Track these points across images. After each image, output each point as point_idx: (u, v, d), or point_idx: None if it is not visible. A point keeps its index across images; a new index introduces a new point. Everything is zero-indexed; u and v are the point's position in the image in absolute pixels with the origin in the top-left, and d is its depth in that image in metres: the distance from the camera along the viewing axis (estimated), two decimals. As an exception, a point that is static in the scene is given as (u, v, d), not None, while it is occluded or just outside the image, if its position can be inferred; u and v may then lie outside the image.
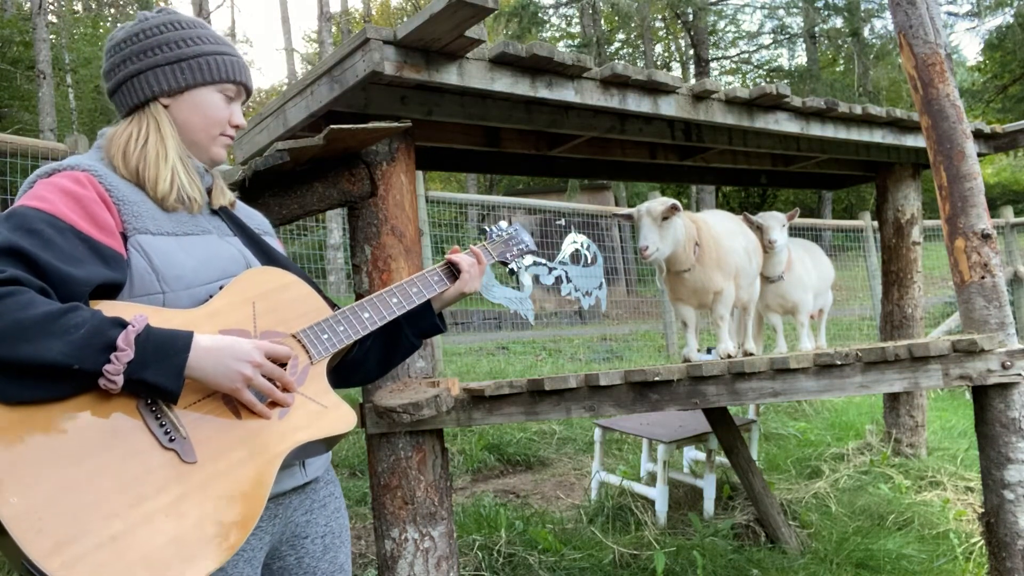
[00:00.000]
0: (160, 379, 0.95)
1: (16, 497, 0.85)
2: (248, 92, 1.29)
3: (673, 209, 2.53)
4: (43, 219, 0.99)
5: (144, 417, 0.97)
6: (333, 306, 1.30)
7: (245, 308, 1.13)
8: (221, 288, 1.13)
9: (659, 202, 2.58)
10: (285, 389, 1.09)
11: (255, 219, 1.40)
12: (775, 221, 3.11)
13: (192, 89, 1.20)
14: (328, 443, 1.18)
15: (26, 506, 0.85)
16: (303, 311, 1.20)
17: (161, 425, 0.98)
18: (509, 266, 1.62)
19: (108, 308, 1.00)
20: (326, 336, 1.19)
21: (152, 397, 0.98)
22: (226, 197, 1.30)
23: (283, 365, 1.11)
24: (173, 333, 0.99)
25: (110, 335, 0.92)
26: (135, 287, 1.07)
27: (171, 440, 0.97)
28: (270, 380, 1.07)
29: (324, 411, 1.14)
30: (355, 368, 1.40)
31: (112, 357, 0.91)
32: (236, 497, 0.99)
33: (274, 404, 1.08)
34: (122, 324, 0.94)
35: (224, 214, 1.29)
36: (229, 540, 0.96)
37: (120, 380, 0.92)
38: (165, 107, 1.20)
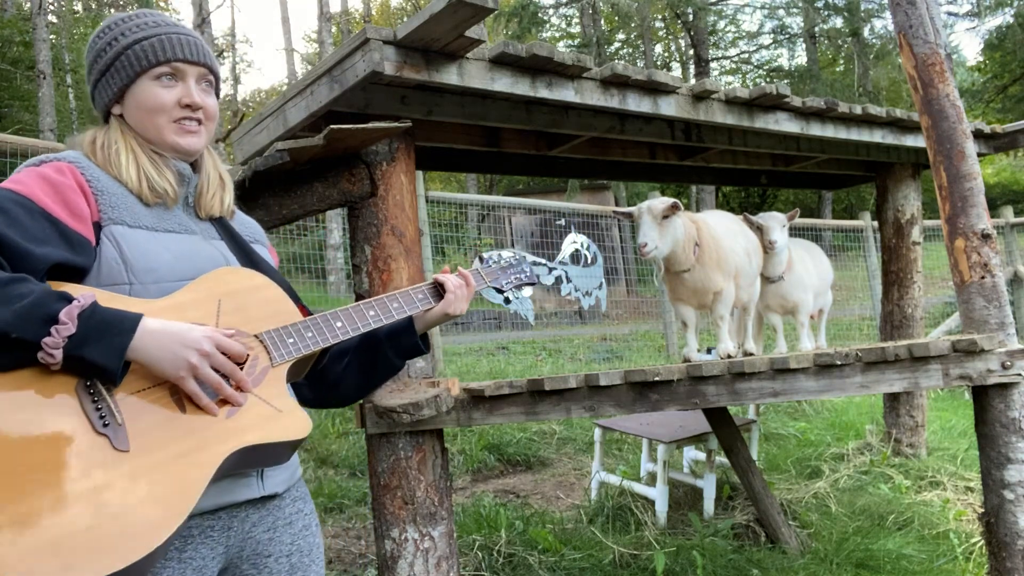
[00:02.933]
0: (99, 357, 0.93)
1: None
2: (199, 64, 1.20)
3: (674, 208, 2.54)
4: (15, 200, 1.01)
5: (81, 399, 0.94)
6: (308, 315, 1.27)
7: (209, 304, 1.10)
8: (190, 284, 1.12)
9: (659, 200, 2.58)
10: (238, 387, 1.06)
11: (249, 227, 1.38)
12: (775, 222, 3.11)
13: (128, 89, 1.18)
14: (283, 451, 1.11)
15: None
16: (270, 313, 1.17)
17: (97, 409, 0.94)
18: (504, 295, 1.59)
19: (66, 289, 0.99)
20: (291, 340, 1.16)
21: (92, 377, 0.95)
22: (222, 206, 1.27)
23: (241, 364, 1.08)
24: (121, 313, 0.97)
25: (53, 308, 0.91)
26: (102, 275, 1.06)
27: (105, 425, 0.93)
28: (221, 374, 1.04)
29: (277, 415, 1.08)
30: (334, 386, 1.37)
31: (52, 330, 0.90)
32: (164, 493, 0.93)
33: (224, 401, 1.04)
34: (68, 299, 0.93)
35: (216, 221, 1.28)
36: (147, 538, 0.90)
37: (59, 355, 0.91)
38: (120, 116, 1.20)
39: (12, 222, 0.98)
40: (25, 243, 0.97)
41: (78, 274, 1.05)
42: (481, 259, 1.60)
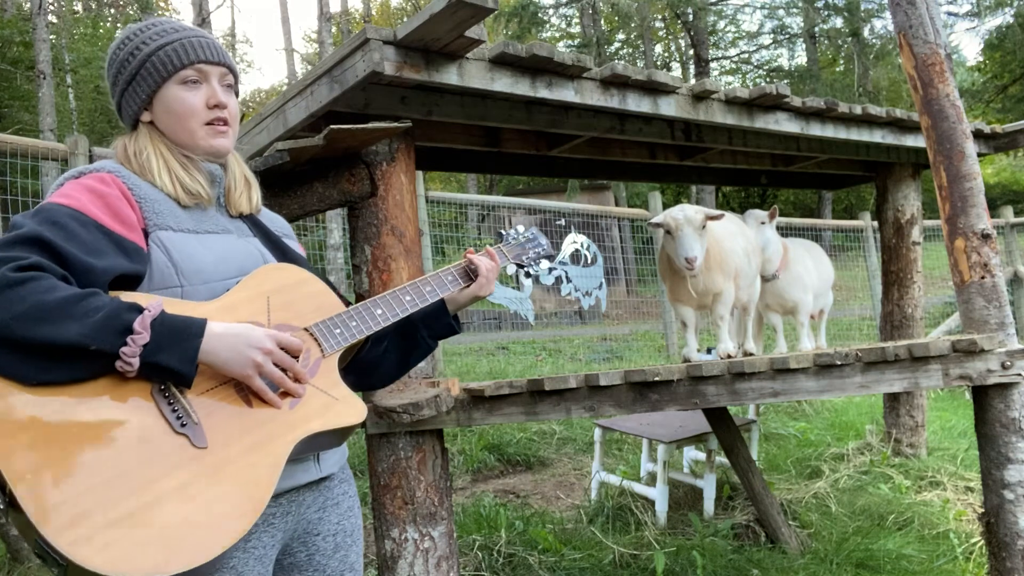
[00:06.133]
0: (174, 363, 0.98)
1: (31, 474, 0.87)
2: (221, 65, 1.24)
3: (711, 218, 2.54)
4: (68, 214, 1.04)
5: (157, 402, 1.00)
6: (347, 304, 1.32)
7: (259, 302, 1.16)
8: (238, 283, 1.16)
9: (694, 209, 2.56)
10: (297, 380, 1.11)
11: (276, 222, 1.43)
12: (752, 219, 3.14)
13: (155, 95, 1.21)
14: (340, 436, 1.19)
15: (40, 483, 0.88)
16: (316, 306, 1.23)
17: (174, 410, 1.00)
18: (526, 269, 1.62)
19: (128, 298, 1.03)
20: (339, 331, 1.22)
21: (166, 381, 1.01)
22: (250, 204, 1.32)
23: (296, 357, 1.13)
24: (188, 319, 1.02)
25: (127, 318, 0.96)
26: (155, 280, 1.11)
27: (183, 425, 0.99)
28: (282, 369, 1.09)
29: (335, 402, 1.16)
30: (373, 369, 1.42)
31: (128, 340, 0.95)
32: (244, 483, 1.00)
33: (285, 394, 1.10)
34: (139, 309, 0.98)
35: (246, 219, 1.32)
36: (235, 525, 0.97)
37: (136, 363, 0.95)
38: (149, 122, 1.23)
39: (70, 237, 1.02)
40: (87, 257, 1.01)
41: (135, 281, 1.10)
42: (501, 236, 1.64)
